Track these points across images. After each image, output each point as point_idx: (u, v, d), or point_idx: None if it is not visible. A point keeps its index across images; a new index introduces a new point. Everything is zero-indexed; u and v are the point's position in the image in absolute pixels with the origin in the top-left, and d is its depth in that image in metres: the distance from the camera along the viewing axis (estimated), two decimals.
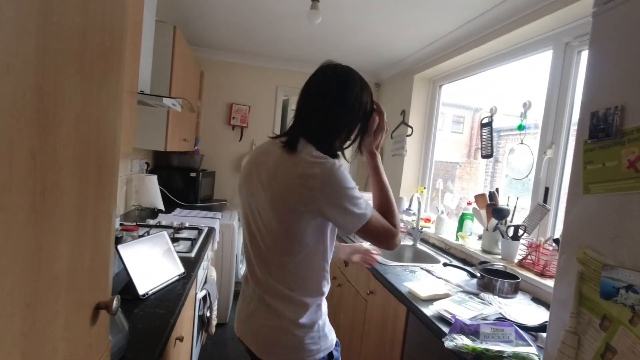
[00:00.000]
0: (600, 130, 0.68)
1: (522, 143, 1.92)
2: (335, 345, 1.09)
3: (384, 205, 1.08)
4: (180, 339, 1.31)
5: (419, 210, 2.29)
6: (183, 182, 2.93)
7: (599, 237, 0.68)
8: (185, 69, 2.43)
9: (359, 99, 1.07)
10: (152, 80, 1.86)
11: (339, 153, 1.09)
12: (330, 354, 1.06)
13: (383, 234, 1.01)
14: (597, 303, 0.66)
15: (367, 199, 1.00)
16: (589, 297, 0.68)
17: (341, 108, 1.04)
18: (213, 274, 2.23)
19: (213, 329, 2.06)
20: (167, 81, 2.07)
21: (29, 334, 0.38)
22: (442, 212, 2.41)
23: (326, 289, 1.07)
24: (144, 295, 1.18)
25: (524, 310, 1.38)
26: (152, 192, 2.46)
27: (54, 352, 0.44)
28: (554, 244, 1.60)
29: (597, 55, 0.71)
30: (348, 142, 1.10)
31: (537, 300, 1.51)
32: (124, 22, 0.58)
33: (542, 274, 1.60)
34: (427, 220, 2.58)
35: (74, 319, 0.49)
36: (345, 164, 1.07)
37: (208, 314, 1.96)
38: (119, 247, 1.20)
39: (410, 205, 2.28)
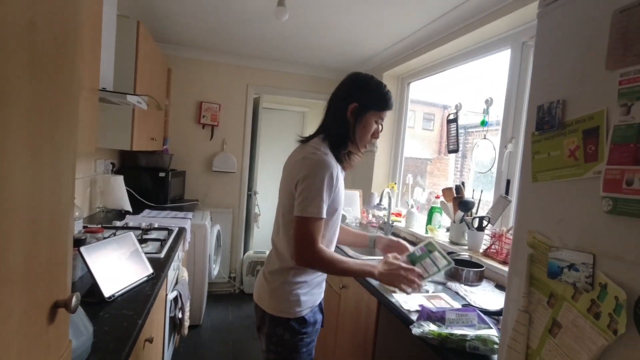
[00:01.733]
0: (545, 122, 0.73)
1: (485, 138, 2.01)
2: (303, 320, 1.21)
3: (337, 266, 1.16)
4: (150, 341, 1.28)
5: (389, 205, 2.35)
6: (152, 182, 2.85)
7: (546, 221, 0.73)
8: (151, 66, 2.37)
9: (345, 102, 1.20)
10: (116, 77, 1.80)
11: (348, 158, 1.23)
12: (301, 319, 1.21)
13: (304, 240, 1.11)
14: (545, 282, 0.71)
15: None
16: (538, 277, 0.73)
17: (334, 110, 1.23)
18: (185, 274, 2.19)
19: (186, 331, 2.03)
20: (131, 78, 2.00)
21: None
22: (412, 207, 2.48)
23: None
24: (109, 297, 1.15)
25: (488, 297, 1.45)
26: (119, 193, 2.38)
27: (6, 351, 0.42)
28: None
29: (542, 53, 0.77)
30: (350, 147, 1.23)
31: (500, 287, 1.59)
32: (77, 13, 0.57)
33: (505, 262, 1.69)
34: (398, 214, 2.64)
35: (30, 317, 0.48)
36: (337, 169, 1.17)
37: (180, 315, 1.93)
38: (82, 249, 1.16)
39: (380, 201, 2.33)
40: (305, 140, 1.26)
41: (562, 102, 0.69)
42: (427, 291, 1.46)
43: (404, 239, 2.42)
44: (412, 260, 1.28)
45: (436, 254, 1.36)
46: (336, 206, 1.20)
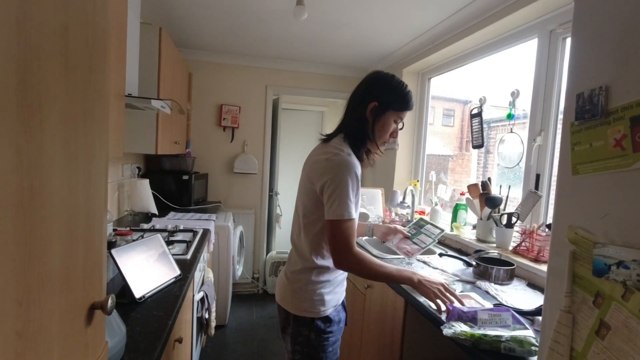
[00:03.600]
0: (586, 111, 0.69)
1: (512, 132, 1.94)
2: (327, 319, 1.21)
3: (376, 270, 1.16)
4: (179, 341, 1.30)
5: (413, 202, 2.30)
6: (176, 185, 2.91)
7: (589, 216, 0.69)
8: (173, 71, 2.41)
9: (364, 101, 1.20)
10: (140, 83, 1.85)
11: (367, 156, 1.24)
12: (326, 318, 1.21)
13: (341, 243, 1.10)
14: (590, 281, 0.67)
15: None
16: (581, 275, 0.69)
17: (353, 108, 1.22)
18: (210, 275, 2.22)
19: (212, 331, 2.06)
20: (154, 84, 2.05)
21: (23, 333, 0.38)
22: (436, 204, 2.43)
23: (320, 262, 1.19)
24: (140, 298, 1.17)
25: (520, 296, 1.40)
26: (145, 196, 2.44)
27: (49, 352, 0.43)
28: (547, 230, 1.62)
29: (580, 38, 0.72)
30: (369, 144, 1.22)
31: (532, 285, 1.53)
32: (106, 18, 0.57)
33: (536, 260, 1.62)
34: (422, 212, 2.59)
35: (69, 318, 0.48)
36: (358, 166, 1.17)
37: (207, 316, 1.95)
38: (113, 251, 1.19)
39: (404, 199, 2.29)
40: (326, 139, 1.24)
41: (605, 89, 0.65)
42: (455, 290, 1.41)
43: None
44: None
45: (428, 226, 1.56)
46: (357, 205, 1.19)
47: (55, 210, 0.44)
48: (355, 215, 1.13)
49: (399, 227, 1.49)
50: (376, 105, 1.18)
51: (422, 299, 1.32)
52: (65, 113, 0.45)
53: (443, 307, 1.18)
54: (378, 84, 1.21)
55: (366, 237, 1.88)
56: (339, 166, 1.10)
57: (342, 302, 1.31)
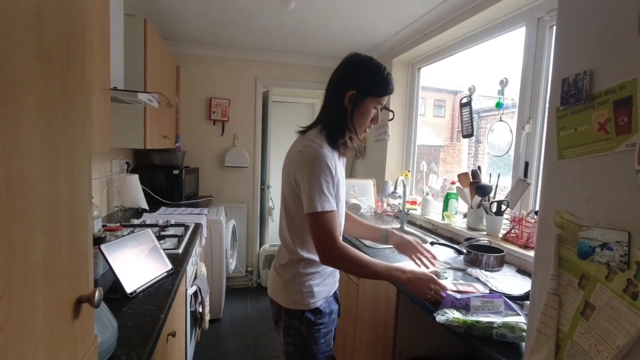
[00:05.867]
0: (571, 96, 0.69)
1: (501, 121, 1.95)
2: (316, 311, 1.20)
3: (364, 267, 1.13)
4: (173, 335, 1.30)
5: (404, 193, 2.32)
6: (166, 180, 2.88)
7: (574, 200, 0.70)
8: (160, 64, 2.37)
9: (341, 89, 1.15)
10: (126, 76, 1.81)
11: (345, 145, 1.19)
12: (316, 310, 1.20)
13: (322, 236, 1.08)
14: (575, 263, 0.68)
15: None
16: (567, 258, 0.70)
17: (330, 98, 1.19)
18: (203, 269, 2.21)
19: (206, 325, 2.06)
20: (141, 77, 2.01)
21: (5, 327, 0.37)
22: (427, 194, 2.45)
23: (306, 254, 1.18)
24: (132, 293, 1.16)
25: (510, 282, 1.42)
26: (135, 191, 2.41)
27: (34, 346, 0.43)
28: (535, 217, 1.65)
29: (565, 23, 0.72)
30: (348, 134, 1.18)
31: (522, 271, 1.56)
32: (84, 6, 0.56)
33: (525, 246, 1.65)
34: (414, 202, 2.61)
35: (55, 312, 0.48)
36: (333, 157, 1.14)
37: (200, 310, 1.95)
38: (103, 246, 1.17)
39: (395, 189, 2.30)
40: (304, 131, 1.22)
41: (590, 73, 0.66)
42: (447, 278, 1.43)
43: (420, 227, 2.40)
44: None
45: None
46: (338, 197, 1.17)
47: (35, 202, 0.43)
48: (334, 207, 1.10)
49: (413, 241, 1.41)
50: (354, 94, 1.13)
51: None
52: (42, 104, 0.44)
53: (433, 300, 1.18)
54: (355, 69, 1.15)
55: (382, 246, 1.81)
56: (311, 158, 1.08)
57: (335, 293, 1.30)
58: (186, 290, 1.73)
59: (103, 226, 1.63)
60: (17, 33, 0.38)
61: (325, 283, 1.24)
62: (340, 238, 1.14)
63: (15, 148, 0.38)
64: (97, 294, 0.53)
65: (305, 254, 1.19)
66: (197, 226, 2.15)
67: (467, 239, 1.79)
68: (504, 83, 1.93)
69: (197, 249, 2.06)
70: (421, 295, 1.20)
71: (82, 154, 0.57)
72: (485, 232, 1.91)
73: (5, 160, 0.36)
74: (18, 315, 0.40)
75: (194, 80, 3.31)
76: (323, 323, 1.21)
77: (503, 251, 1.60)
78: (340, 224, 1.25)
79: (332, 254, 1.09)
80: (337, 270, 1.31)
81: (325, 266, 1.23)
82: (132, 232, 1.66)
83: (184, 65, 3.24)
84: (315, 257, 1.17)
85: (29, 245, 0.42)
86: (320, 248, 1.10)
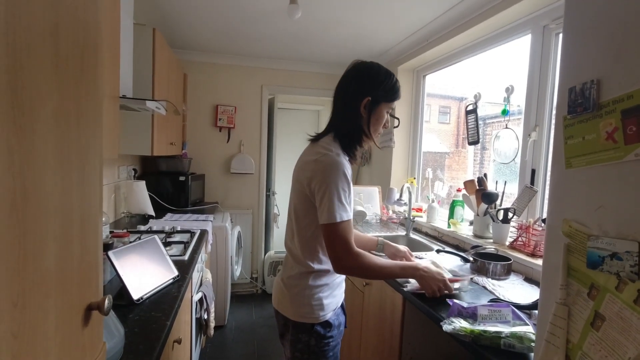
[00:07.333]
0: (578, 104, 0.69)
1: (507, 128, 1.95)
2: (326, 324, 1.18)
3: (379, 270, 1.15)
4: (179, 342, 1.30)
5: (410, 200, 2.31)
6: (173, 186, 2.90)
7: (583, 209, 0.69)
8: (168, 72, 2.40)
9: (356, 97, 1.16)
10: (134, 84, 1.84)
11: (360, 154, 1.21)
12: (326, 323, 1.18)
13: (338, 247, 1.07)
14: (584, 273, 0.67)
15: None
16: (576, 268, 0.69)
17: (344, 106, 1.19)
18: (208, 276, 2.21)
19: (212, 331, 2.05)
20: (149, 85, 2.04)
21: (19, 334, 0.37)
22: (433, 201, 2.44)
23: (316, 266, 1.17)
24: (138, 299, 1.17)
25: (518, 290, 1.41)
26: (141, 198, 2.43)
27: (45, 353, 0.43)
28: (543, 224, 1.63)
29: (572, 32, 0.73)
30: (364, 141, 1.20)
31: (529, 280, 1.54)
32: (97, 17, 0.57)
33: (533, 254, 1.63)
34: (419, 210, 2.60)
35: (66, 319, 0.48)
36: (348, 166, 1.14)
37: (205, 317, 1.95)
38: (110, 253, 1.18)
39: (401, 196, 2.30)
40: (315, 139, 1.21)
41: (597, 82, 0.66)
42: (460, 287, 1.41)
43: (426, 234, 2.38)
44: None
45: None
46: (351, 204, 1.18)
47: (48, 211, 0.44)
48: (351, 216, 1.10)
49: (407, 252, 1.49)
50: (369, 100, 1.15)
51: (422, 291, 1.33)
52: (57, 113, 0.45)
53: (437, 295, 1.23)
54: (367, 77, 1.17)
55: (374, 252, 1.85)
56: (328, 167, 1.07)
57: (342, 304, 1.29)
58: (192, 296, 1.73)
59: (110, 232, 1.64)
60: (35, 46, 0.39)
61: (334, 295, 1.22)
62: (354, 245, 1.13)
63: (30, 158, 0.39)
64: (106, 301, 0.54)
65: (316, 266, 1.17)
66: (203, 232, 2.16)
67: (474, 247, 1.78)
68: (509, 90, 1.93)
69: (202, 256, 2.06)
70: (427, 290, 1.25)
71: (93, 162, 0.58)
72: (491, 240, 1.89)
73: (23, 170, 0.37)
74: (31, 322, 0.40)
75: (200, 88, 3.34)
76: (332, 336, 1.19)
77: (510, 259, 1.59)
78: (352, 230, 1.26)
79: (349, 265, 1.09)
80: (344, 281, 1.31)
81: (334, 278, 1.22)
82: (139, 238, 1.67)
83: (191, 72, 3.29)
84: (325, 268, 1.16)
85: (42, 253, 0.42)
86: (336, 259, 1.08)
